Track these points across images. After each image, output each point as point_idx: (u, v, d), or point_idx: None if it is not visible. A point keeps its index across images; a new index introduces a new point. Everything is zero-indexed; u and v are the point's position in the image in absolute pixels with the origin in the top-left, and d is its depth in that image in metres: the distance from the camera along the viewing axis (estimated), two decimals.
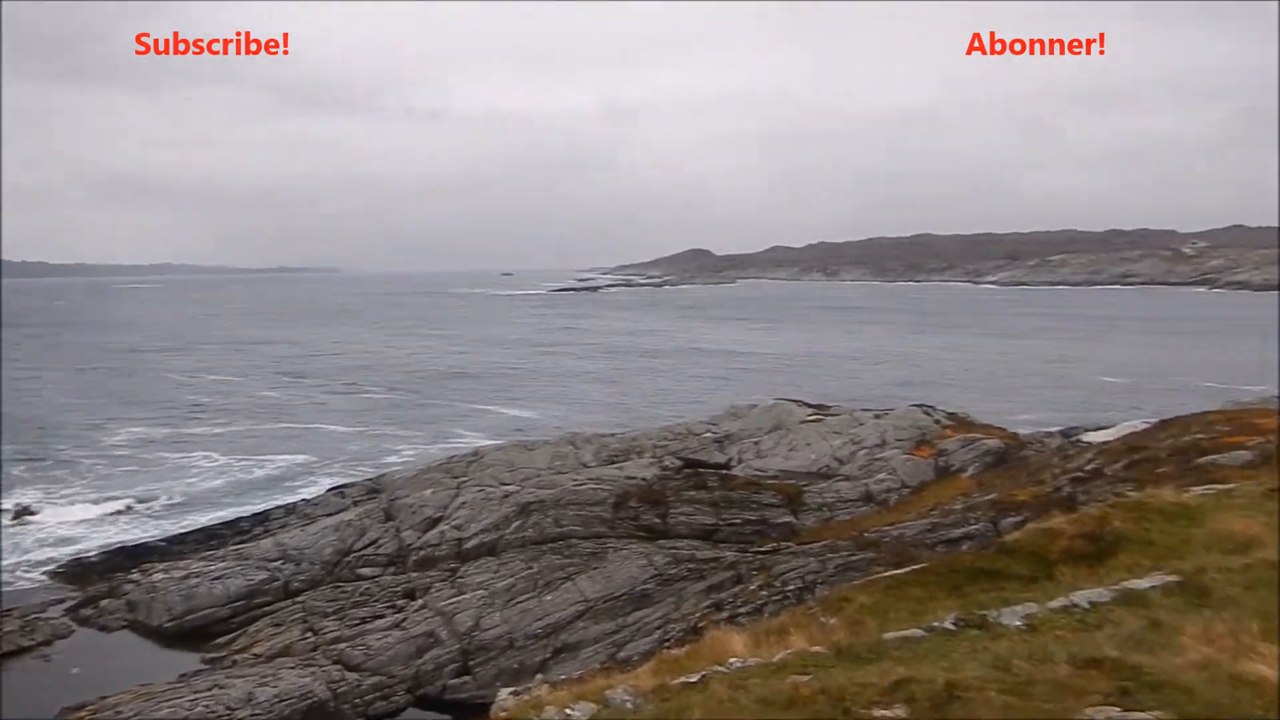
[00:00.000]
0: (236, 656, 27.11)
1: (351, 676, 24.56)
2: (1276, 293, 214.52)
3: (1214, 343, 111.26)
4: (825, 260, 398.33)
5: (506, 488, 33.85)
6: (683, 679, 7.55)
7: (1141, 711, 5.30)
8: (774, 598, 23.81)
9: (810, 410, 42.67)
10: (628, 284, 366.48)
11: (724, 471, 35.62)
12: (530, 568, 28.67)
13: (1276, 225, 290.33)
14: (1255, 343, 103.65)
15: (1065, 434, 47.35)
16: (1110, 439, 43.30)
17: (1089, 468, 33.20)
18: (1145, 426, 45.28)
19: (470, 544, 31.58)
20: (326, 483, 45.22)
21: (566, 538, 30.60)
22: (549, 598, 27.22)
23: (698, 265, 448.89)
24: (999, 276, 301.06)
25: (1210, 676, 5.97)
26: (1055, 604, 9.20)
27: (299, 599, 30.11)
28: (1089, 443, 43.08)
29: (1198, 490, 22.21)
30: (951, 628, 8.44)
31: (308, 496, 41.86)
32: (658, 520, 31.13)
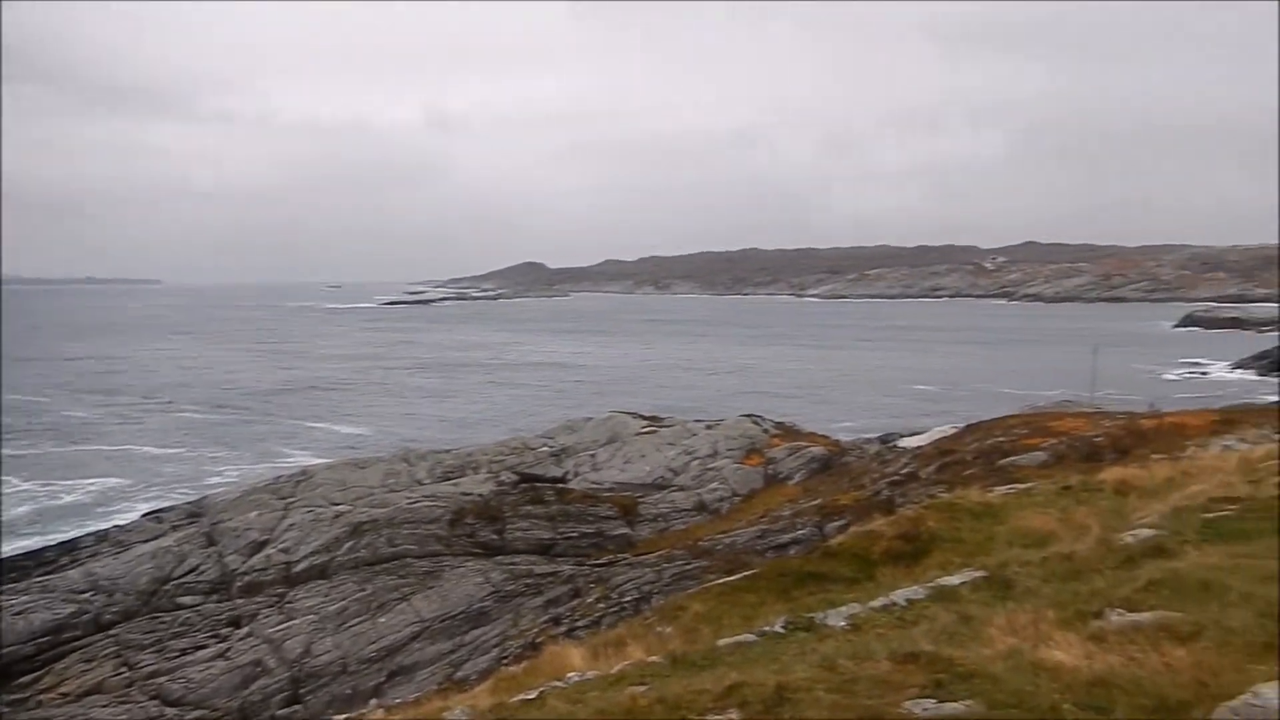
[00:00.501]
0: (42, 697, 25.19)
1: (171, 712, 23.24)
2: (1068, 304, 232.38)
3: (1013, 351, 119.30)
4: (657, 274, 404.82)
5: (338, 507, 32.81)
6: (521, 696, 7.56)
7: (954, 702, 5.67)
8: (611, 610, 23.99)
9: (645, 422, 43.26)
10: (461, 297, 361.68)
11: (560, 485, 35.65)
12: (363, 589, 27.89)
13: (1064, 242, 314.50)
14: (1048, 351, 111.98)
15: (883, 440, 49.68)
16: (923, 444, 45.72)
17: (905, 471, 34.96)
18: (954, 431, 48.06)
19: (299, 567, 30.42)
20: (142, 507, 42.64)
21: (401, 557, 29.92)
22: (383, 619, 26.55)
23: (532, 278, 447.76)
24: (821, 290, 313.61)
25: (1014, 665, 6.44)
26: (877, 603, 9.69)
27: (112, 632, 28.23)
28: (905, 448, 45.32)
29: (1001, 490, 23.78)
30: (781, 631, 8.77)
31: (121, 523, 39.31)
32: (495, 536, 30.85)
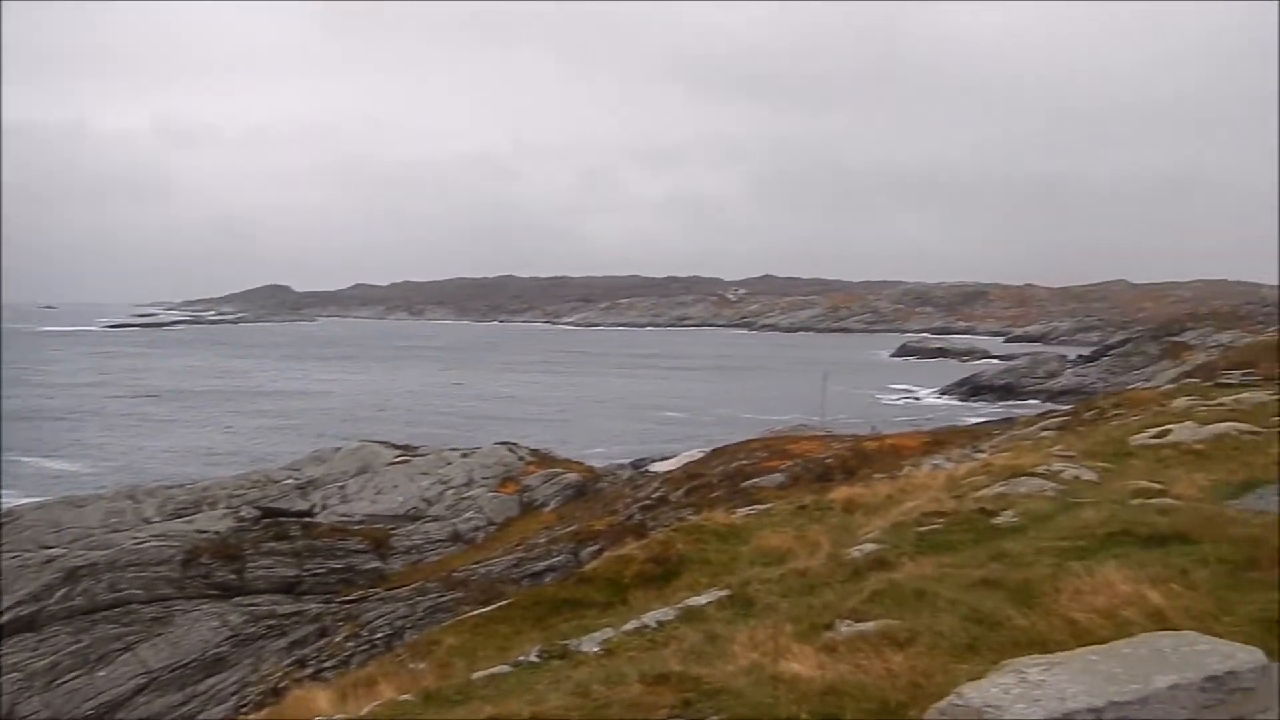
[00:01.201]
0: None
1: None
2: (801, 333, 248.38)
3: (753, 378, 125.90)
4: (410, 299, 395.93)
5: (49, 551, 29.80)
6: None
7: (701, 719, 5.96)
8: (362, 648, 23.21)
9: (397, 451, 42.19)
10: (197, 320, 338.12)
11: (307, 519, 34.11)
12: (79, 641, 25.46)
13: (798, 276, 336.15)
14: (784, 378, 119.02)
15: (635, 465, 51.04)
16: (673, 468, 47.31)
17: (656, 496, 36.05)
18: (701, 455, 50.07)
19: (3, 620, 27.36)
20: None
21: (125, 603, 27.57)
22: (103, 673, 24.35)
23: (276, 302, 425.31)
24: (575, 318, 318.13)
25: (756, 679, 6.84)
26: (629, 626, 9.96)
27: None
28: (656, 472, 46.73)
29: (744, 511, 25.05)
30: (536, 660, 8.85)
31: None
32: (233, 576, 29.06)
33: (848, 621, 8.90)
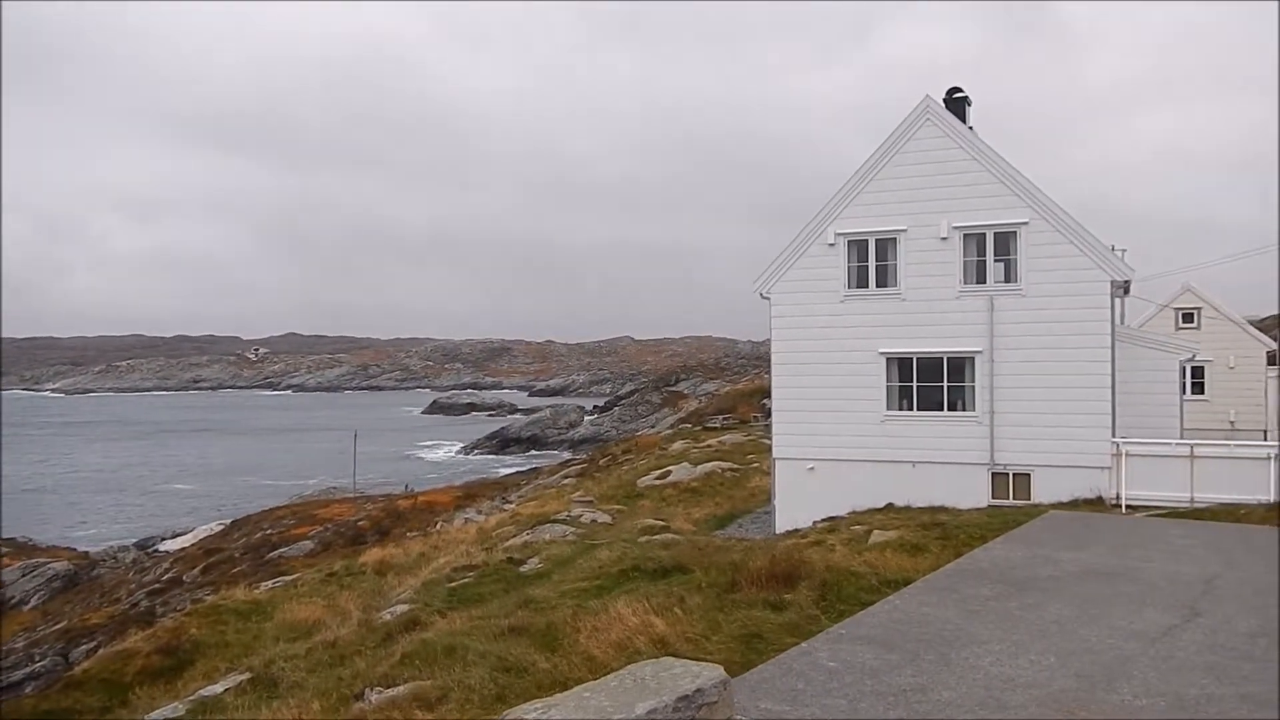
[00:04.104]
0: None
1: None
2: (330, 393, 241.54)
3: (278, 441, 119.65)
4: None
5: None
6: None
7: None
8: None
9: None
10: None
11: None
12: None
13: (324, 334, 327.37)
14: (313, 440, 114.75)
15: (141, 545, 45.99)
16: (188, 545, 43.40)
17: (167, 577, 32.78)
18: (221, 528, 46.53)
19: None
20: None
21: None
22: None
23: None
24: (62, 383, 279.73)
25: None
26: None
27: None
28: (167, 551, 42.52)
29: (269, 584, 23.69)
30: None
31: None
32: None
33: (378, 689, 8.78)
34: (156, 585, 30.78)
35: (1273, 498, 18.45)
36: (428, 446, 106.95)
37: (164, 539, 48.24)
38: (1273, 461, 18.87)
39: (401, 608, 13.52)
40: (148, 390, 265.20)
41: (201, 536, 44.97)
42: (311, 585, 20.72)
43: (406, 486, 57.23)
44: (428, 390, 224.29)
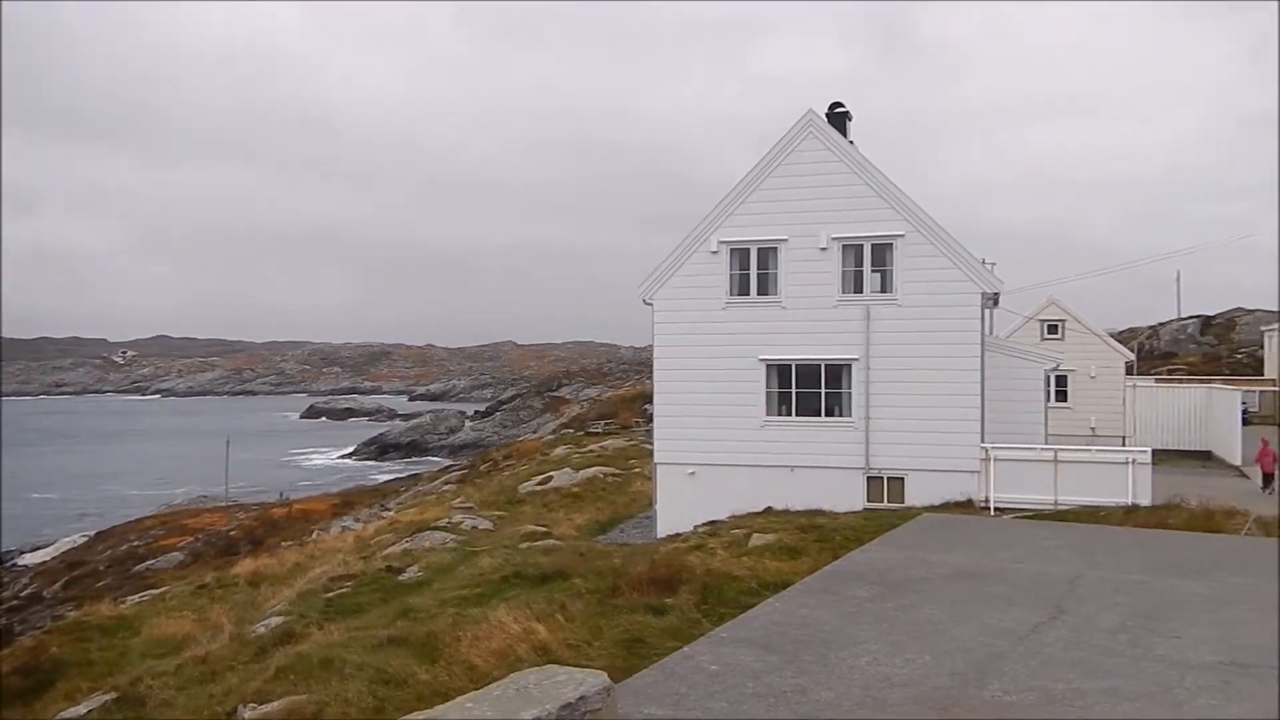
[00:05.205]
0: None
1: None
2: (202, 398, 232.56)
3: (147, 448, 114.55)
4: None
5: None
6: None
7: None
8: None
9: None
10: None
11: None
12: None
13: (195, 337, 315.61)
14: (183, 446, 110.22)
15: None
16: (49, 558, 41.22)
17: (26, 593, 31.17)
18: (84, 540, 44.30)
19: None
20: None
21: None
22: None
23: None
24: None
25: None
26: None
27: None
28: (26, 566, 40.31)
29: (135, 598, 22.68)
30: None
31: None
32: None
33: (252, 705, 8.51)
34: (15, 602, 29.15)
35: (1130, 500, 19.54)
36: (304, 453, 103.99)
37: (22, 552, 45.69)
38: (1131, 466, 19.99)
39: (276, 620, 13.14)
40: (9, 395, 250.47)
41: (64, 549, 42.74)
42: (181, 599, 19.96)
43: (282, 494, 55.58)
44: (305, 395, 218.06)
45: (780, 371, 22.97)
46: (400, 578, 15.19)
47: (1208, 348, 64.78)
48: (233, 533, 39.35)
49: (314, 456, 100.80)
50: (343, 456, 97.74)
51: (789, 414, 22.87)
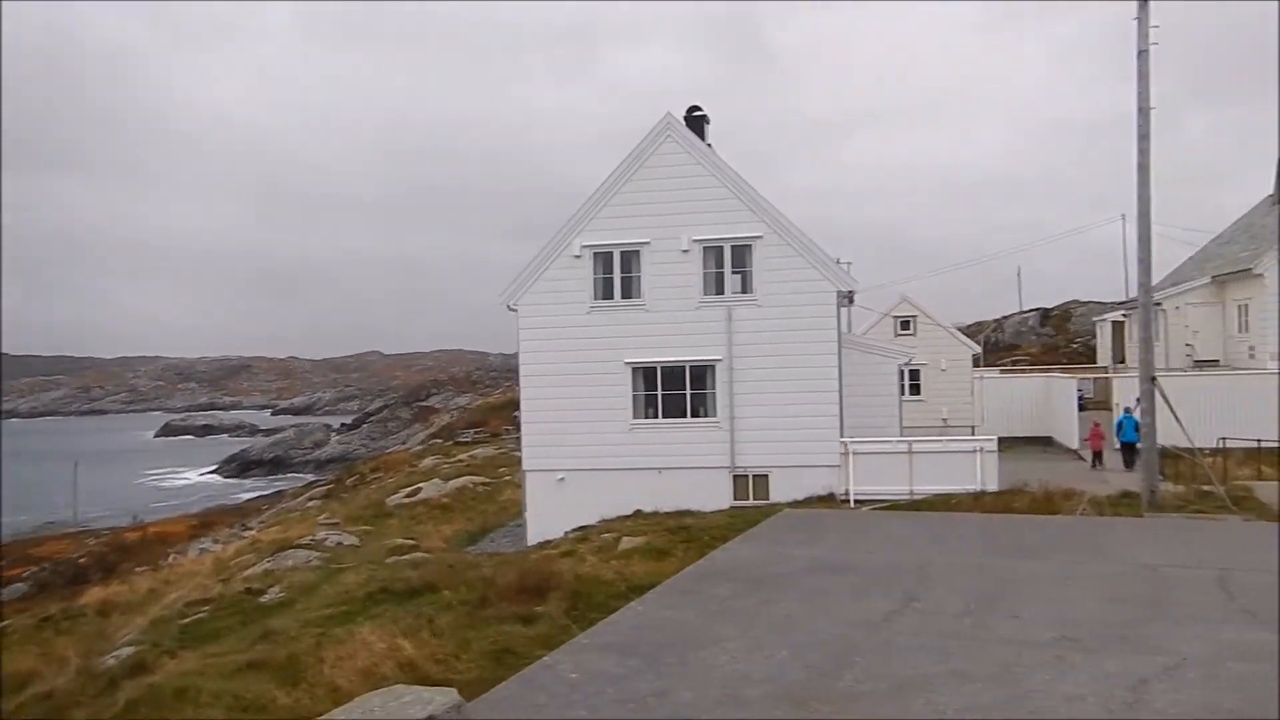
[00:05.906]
0: None
1: None
2: (47, 418, 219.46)
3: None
4: None
5: None
6: None
7: None
8: None
9: None
10: None
11: None
12: None
13: (38, 354, 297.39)
14: (26, 471, 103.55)
15: None
16: None
17: None
18: None
19: None
20: None
21: None
22: None
23: None
24: None
25: None
26: None
27: None
28: None
29: None
30: None
31: None
32: None
33: None
34: None
35: (979, 487, 20.54)
36: (161, 473, 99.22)
37: None
38: (979, 455, 21.02)
39: (127, 650, 12.58)
40: None
41: None
42: (24, 632, 18.84)
43: (135, 517, 52.90)
44: (160, 412, 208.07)
45: (646, 374, 23.24)
46: (261, 599, 14.72)
47: (1047, 338, 68.42)
48: (82, 560, 37.33)
49: (171, 477, 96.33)
50: (203, 475, 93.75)
51: (656, 416, 23.16)
